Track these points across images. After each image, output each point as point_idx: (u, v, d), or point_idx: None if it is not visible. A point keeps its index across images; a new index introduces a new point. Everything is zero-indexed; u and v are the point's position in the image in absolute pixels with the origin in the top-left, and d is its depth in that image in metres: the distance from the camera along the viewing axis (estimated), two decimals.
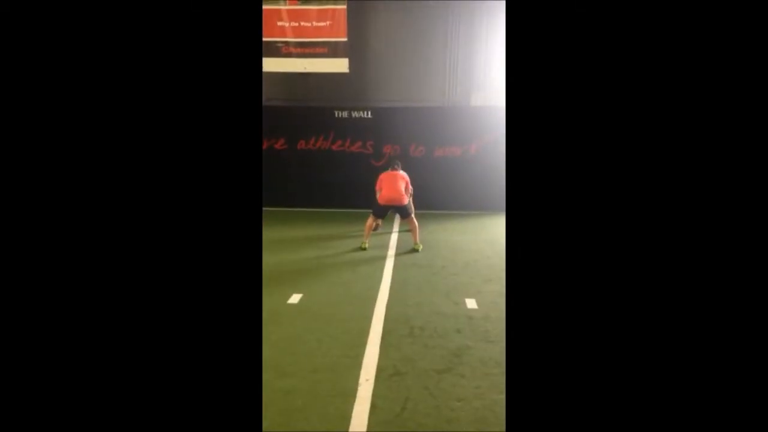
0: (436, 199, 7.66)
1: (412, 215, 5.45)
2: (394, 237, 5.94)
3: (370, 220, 5.49)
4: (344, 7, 7.98)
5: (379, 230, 6.20)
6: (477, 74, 8.42)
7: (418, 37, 8.47)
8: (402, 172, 5.48)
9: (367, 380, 2.48)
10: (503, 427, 2.08)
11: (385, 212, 5.50)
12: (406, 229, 6.01)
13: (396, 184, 5.31)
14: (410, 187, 5.51)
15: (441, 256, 5.07)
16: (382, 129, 7.68)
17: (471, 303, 3.64)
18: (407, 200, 5.40)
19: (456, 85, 8.51)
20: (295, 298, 3.71)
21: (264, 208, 6.48)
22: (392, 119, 7.69)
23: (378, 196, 5.35)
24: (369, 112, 7.68)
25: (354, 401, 2.29)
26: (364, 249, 5.30)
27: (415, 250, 5.26)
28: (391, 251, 5.27)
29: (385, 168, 6.19)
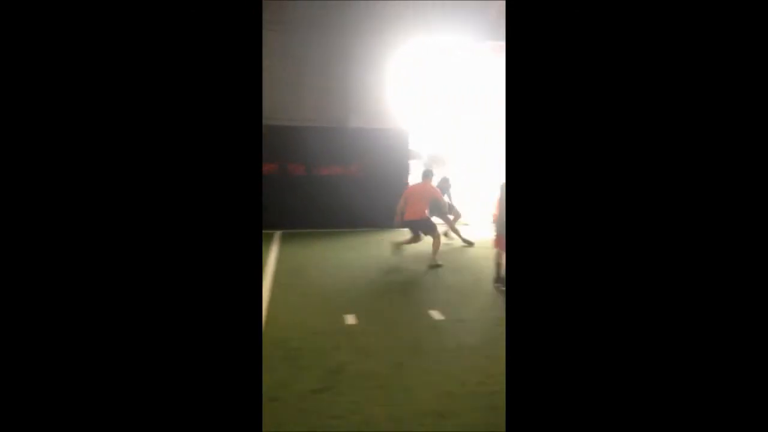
0: (319, 218, 7.62)
1: (438, 232, 5.28)
2: (272, 255, 5.71)
3: (407, 238, 5.28)
4: None
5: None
6: (353, 97, 8.62)
7: (293, 59, 8.43)
8: (432, 185, 5.30)
9: None
10: None
11: (413, 229, 5.24)
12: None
13: (418, 201, 5.09)
14: (442, 200, 5.36)
15: (326, 274, 4.98)
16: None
17: (351, 318, 3.60)
18: (425, 215, 5.20)
19: (334, 106, 8.62)
20: None
21: None
22: (270, 138, 7.49)
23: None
24: None
25: None
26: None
27: (436, 266, 5.11)
28: (270, 268, 5.05)
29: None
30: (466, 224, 7.50)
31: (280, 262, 5.52)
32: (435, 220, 5.68)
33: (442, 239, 5.69)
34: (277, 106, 8.28)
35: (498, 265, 4.56)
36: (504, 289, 4.40)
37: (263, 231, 7.05)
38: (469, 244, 6.50)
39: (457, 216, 6.80)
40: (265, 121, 7.77)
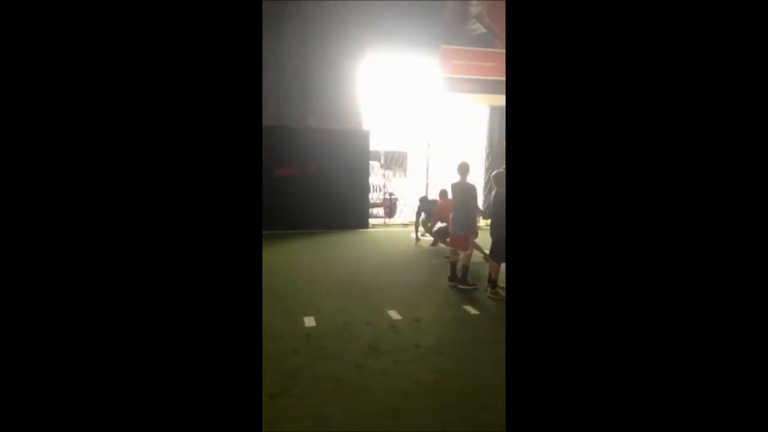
0: (278, 219, 7.54)
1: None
2: None
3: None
4: None
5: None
6: (312, 97, 8.57)
7: None
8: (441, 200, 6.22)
9: None
10: None
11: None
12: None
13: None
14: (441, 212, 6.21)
15: (282, 277, 4.96)
16: None
17: (309, 321, 3.62)
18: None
19: (291, 106, 8.55)
20: None
21: None
22: None
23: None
24: None
25: None
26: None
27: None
28: None
29: None
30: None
31: None
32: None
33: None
34: None
35: (452, 264, 4.74)
36: (461, 287, 4.56)
37: None
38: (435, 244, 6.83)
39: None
40: None
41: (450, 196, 5.36)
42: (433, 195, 7.14)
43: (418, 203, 7.23)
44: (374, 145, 8.70)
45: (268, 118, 8.23)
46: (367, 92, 8.76)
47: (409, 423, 2.26)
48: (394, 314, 3.81)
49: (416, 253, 6.35)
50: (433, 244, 6.79)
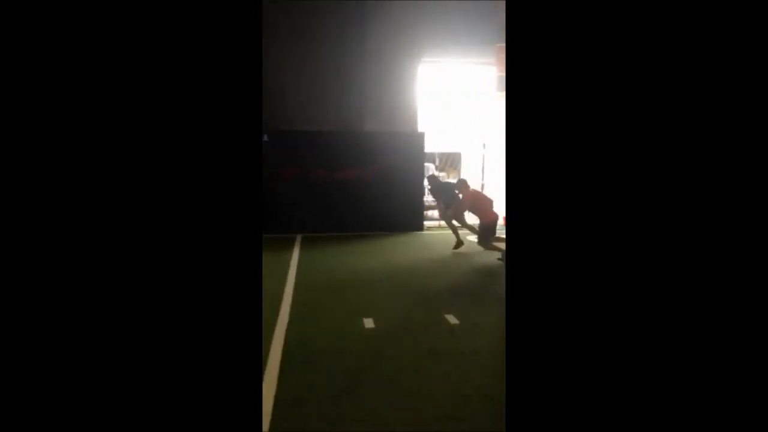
0: (338, 221, 7.78)
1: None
2: (295, 257, 5.88)
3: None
4: None
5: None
6: (370, 101, 8.74)
7: (312, 63, 8.59)
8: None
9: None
10: None
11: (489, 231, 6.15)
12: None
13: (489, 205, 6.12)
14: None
15: (341, 279, 5.13)
16: (279, 152, 7.63)
17: (369, 322, 3.74)
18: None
19: (350, 110, 8.76)
20: None
21: None
22: (290, 143, 7.69)
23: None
24: (265, 136, 7.59)
25: None
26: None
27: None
28: (292, 272, 5.22)
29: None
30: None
31: (300, 269, 5.69)
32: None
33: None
34: (295, 111, 8.46)
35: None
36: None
37: (285, 235, 7.23)
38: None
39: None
40: (284, 127, 8.00)
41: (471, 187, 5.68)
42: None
43: (427, 185, 6.94)
44: (429, 147, 8.72)
45: (326, 122, 8.52)
46: (422, 94, 8.80)
47: (471, 428, 2.30)
48: (451, 318, 3.84)
49: (471, 256, 6.32)
50: (501, 258, 5.91)
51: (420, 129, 8.64)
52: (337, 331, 3.56)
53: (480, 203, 6.10)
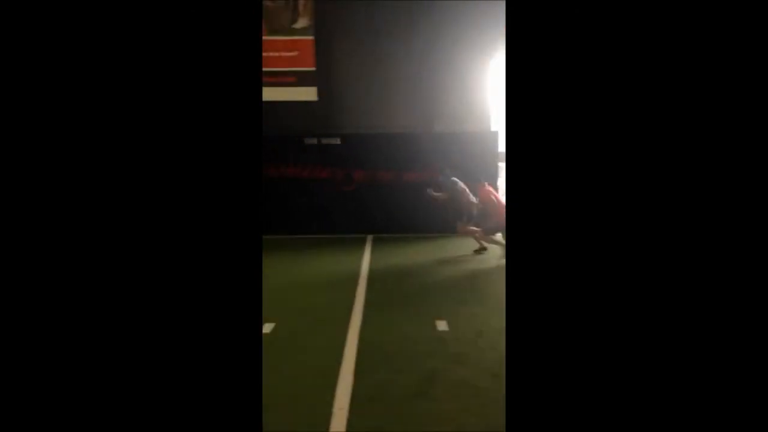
0: (408, 223, 7.78)
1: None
2: (366, 257, 5.97)
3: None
4: (312, 38, 8.16)
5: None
6: (440, 101, 8.66)
7: (382, 65, 8.69)
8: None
9: (340, 409, 2.48)
10: None
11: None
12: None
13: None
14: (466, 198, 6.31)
15: (411, 282, 5.12)
16: (351, 155, 7.80)
17: (442, 325, 3.69)
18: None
19: (419, 111, 8.74)
20: (267, 328, 3.67)
21: None
22: (361, 145, 7.83)
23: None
24: (338, 139, 7.79)
25: None
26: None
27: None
28: (364, 273, 5.30)
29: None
30: None
31: (372, 269, 5.76)
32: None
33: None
34: (370, 115, 8.61)
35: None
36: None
37: (357, 235, 7.37)
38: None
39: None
40: (355, 130, 8.17)
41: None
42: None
43: (443, 177, 6.55)
44: (503, 146, 8.47)
45: (396, 126, 8.57)
46: (495, 92, 8.57)
47: None
48: None
49: None
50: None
51: (493, 128, 8.40)
52: (409, 332, 3.55)
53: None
